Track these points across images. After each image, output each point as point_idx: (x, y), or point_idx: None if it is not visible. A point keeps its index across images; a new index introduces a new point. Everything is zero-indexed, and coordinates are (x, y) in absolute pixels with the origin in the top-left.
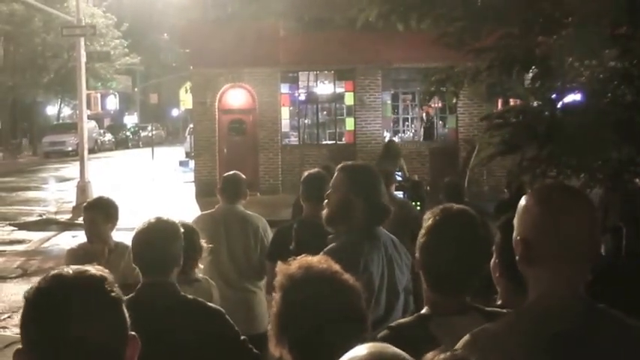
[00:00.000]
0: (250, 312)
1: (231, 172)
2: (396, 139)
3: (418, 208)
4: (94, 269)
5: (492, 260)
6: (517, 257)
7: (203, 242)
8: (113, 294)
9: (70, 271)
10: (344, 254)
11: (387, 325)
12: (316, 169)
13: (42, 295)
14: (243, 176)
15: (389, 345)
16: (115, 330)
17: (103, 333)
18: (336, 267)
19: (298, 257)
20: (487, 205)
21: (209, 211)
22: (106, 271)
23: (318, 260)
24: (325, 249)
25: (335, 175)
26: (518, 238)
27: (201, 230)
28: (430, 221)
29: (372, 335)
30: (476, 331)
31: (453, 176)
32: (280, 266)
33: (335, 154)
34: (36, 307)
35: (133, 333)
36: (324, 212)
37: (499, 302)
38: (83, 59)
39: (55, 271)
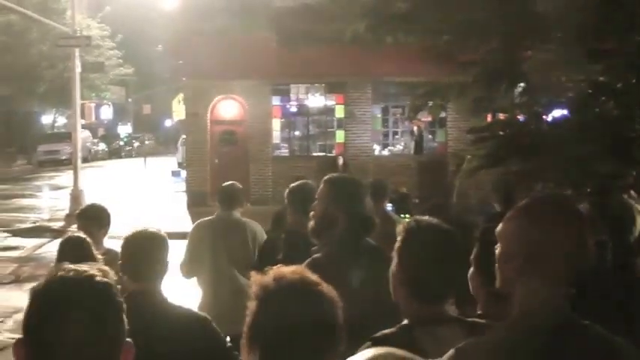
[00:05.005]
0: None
1: (229, 183)
2: (385, 152)
3: (406, 220)
4: (100, 274)
5: (470, 270)
6: (505, 271)
7: None
8: (116, 302)
9: (78, 276)
10: (323, 266)
11: (370, 337)
12: (302, 181)
13: (48, 294)
14: (240, 186)
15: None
16: (113, 336)
17: (101, 338)
18: (312, 277)
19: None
20: (475, 219)
21: (207, 218)
22: (111, 272)
23: (292, 271)
24: (306, 261)
25: (320, 187)
26: (506, 251)
27: (201, 237)
28: (404, 231)
29: (353, 346)
30: (462, 345)
31: (441, 190)
32: (255, 276)
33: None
34: (40, 305)
35: (128, 340)
36: (310, 224)
37: (479, 312)
38: (78, 70)
39: (63, 272)
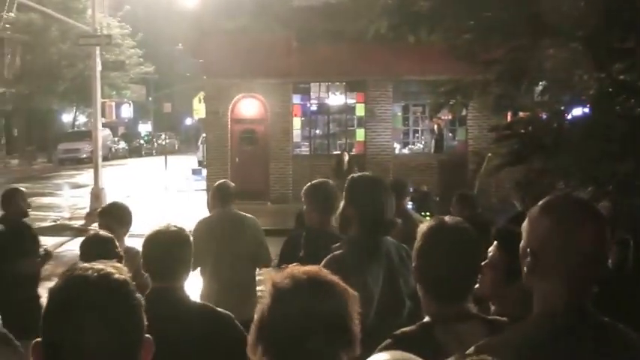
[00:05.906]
0: (244, 300)
1: (222, 181)
2: (406, 150)
3: (427, 218)
4: (116, 271)
5: (488, 271)
6: (525, 268)
7: None
8: (134, 299)
9: (95, 274)
10: (340, 264)
11: (389, 334)
12: (318, 180)
13: (64, 295)
14: (233, 184)
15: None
16: (132, 334)
17: (120, 337)
18: (326, 276)
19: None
20: (497, 217)
21: (207, 216)
22: (125, 269)
23: (304, 270)
24: (325, 259)
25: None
26: (527, 249)
27: (205, 231)
28: (424, 229)
29: (370, 346)
30: (483, 343)
31: (462, 188)
32: (267, 274)
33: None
34: (57, 306)
35: (148, 336)
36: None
37: (492, 310)
38: (98, 68)
39: (79, 271)
